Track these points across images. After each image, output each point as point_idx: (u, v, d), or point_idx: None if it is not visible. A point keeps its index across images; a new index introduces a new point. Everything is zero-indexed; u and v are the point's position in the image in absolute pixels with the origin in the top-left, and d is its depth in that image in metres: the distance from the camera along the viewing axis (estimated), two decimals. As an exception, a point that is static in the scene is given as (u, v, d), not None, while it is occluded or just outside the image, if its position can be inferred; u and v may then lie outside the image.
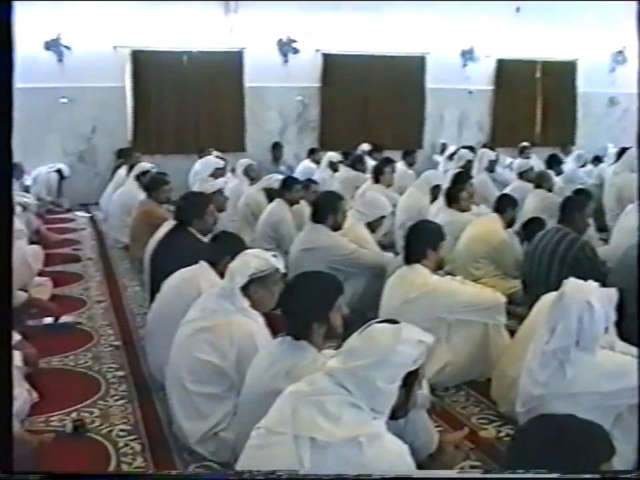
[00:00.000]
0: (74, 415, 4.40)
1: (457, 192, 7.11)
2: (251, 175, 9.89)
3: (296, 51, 13.95)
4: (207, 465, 3.82)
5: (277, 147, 13.61)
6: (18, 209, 8.21)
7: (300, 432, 2.52)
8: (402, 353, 2.56)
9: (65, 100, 12.76)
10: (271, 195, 7.88)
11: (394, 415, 2.66)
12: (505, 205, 6.60)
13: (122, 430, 4.22)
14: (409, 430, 3.07)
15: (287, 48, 13.91)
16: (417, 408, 3.02)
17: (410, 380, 2.64)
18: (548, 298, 4.01)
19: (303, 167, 12.27)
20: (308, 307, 3.20)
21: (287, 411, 2.60)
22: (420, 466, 2.77)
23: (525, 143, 13.39)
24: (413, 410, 2.87)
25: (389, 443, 2.54)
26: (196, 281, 4.39)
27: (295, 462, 2.49)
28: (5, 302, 2.11)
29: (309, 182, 8.29)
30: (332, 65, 14.16)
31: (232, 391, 3.75)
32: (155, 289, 5.06)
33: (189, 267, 4.55)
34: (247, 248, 4.21)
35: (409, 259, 4.81)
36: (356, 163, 10.44)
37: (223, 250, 4.27)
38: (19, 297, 5.65)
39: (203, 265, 4.47)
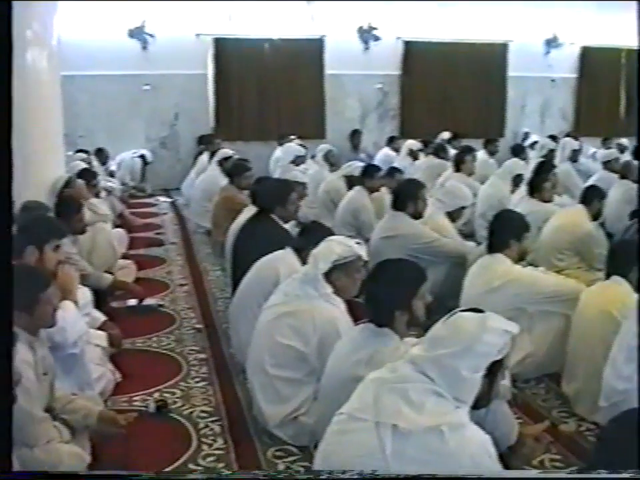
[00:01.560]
0: (156, 395, 4.50)
1: (540, 182, 6.96)
2: (331, 161, 9.91)
3: (377, 39, 13.87)
4: (285, 448, 3.85)
5: (355, 135, 13.57)
6: (103, 193, 8.40)
7: (382, 419, 2.51)
8: (487, 342, 2.54)
9: (148, 87, 12.97)
10: (351, 182, 7.86)
11: (476, 405, 2.64)
12: (591, 197, 6.43)
13: (203, 411, 4.29)
14: (489, 420, 3.02)
15: (367, 35, 13.85)
16: (498, 398, 2.99)
17: (494, 370, 2.61)
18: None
19: (383, 155, 12.21)
20: (391, 295, 3.19)
21: (369, 397, 2.60)
22: (499, 457, 2.74)
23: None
24: (494, 400, 2.84)
25: (472, 433, 2.53)
26: (275, 265, 4.44)
27: (376, 448, 2.49)
28: (6, 302, 2.09)
29: (393, 170, 8.23)
30: (413, 52, 14.04)
31: (312, 376, 3.77)
32: (236, 274, 5.12)
33: (273, 253, 4.59)
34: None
35: (492, 248, 4.75)
36: (438, 151, 10.35)
37: (312, 239, 4.27)
38: (105, 279, 5.78)
39: (287, 251, 4.49)
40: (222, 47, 13.25)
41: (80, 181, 6.96)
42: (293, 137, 12.12)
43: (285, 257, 4.46)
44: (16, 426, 3.10)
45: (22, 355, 2.98)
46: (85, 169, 7.80)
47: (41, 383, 3.35)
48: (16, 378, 2.78)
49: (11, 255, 2.05)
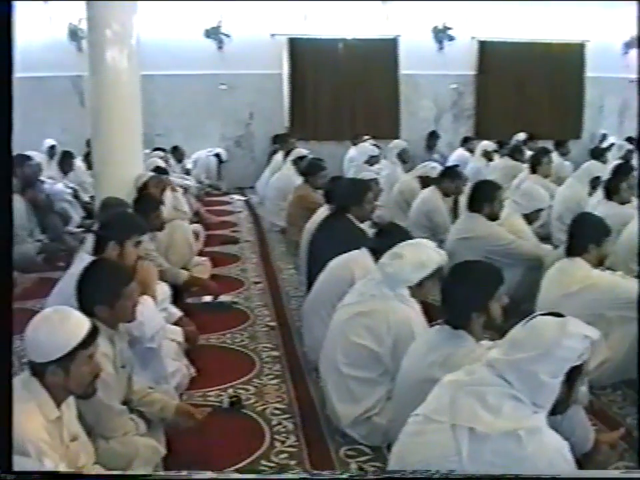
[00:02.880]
0: (230, 391, 4.54)
1: (617, 183, 6.83)
2: (404, 159, 9.86)
3: (451, 38, 13.80)
4: (357, 448, 3.84)
5: (432, 136, 13.53)
6: (179, 191, 8.53)
7: (458, 421, 2.49)
8: (567, 347, 2.50)
9: (224, 86, 13.14)
10: (426, 183, 7.81)
11: (554, 410, 2.60)
12: (675, 200, 6.28)
13: (276, 409, 4.32)
14: (565, 426, 2.98)
15: (442, 35, 13.79)
16: (576, 404, 2.94)
17: (573, 375, 2.57)
18: None
19: (457, 156, 12.11)
20: (468, 296, 3.16)
21: (445, 399, 2.58)
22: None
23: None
24: (571, 406, 2.79)
25: (549, 438, 2.49)
26: (350, 266, 4.44)
27: (452, 451, 2.47)
28: (5, 301, 2.09)
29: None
30: (488, 52, 13.93)
31: (386, 376, 3.77)
32: (311, 273, 5.14)
33: (349, 253, 4.60)
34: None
35: (570, 252, 4.67)
36: (514, 153, 10.21)
37: (389, 240, 4.25)
38: (181, 275, 5.86)
39: (363, 251, 4.49)
40: (297, 46, 13.36)
41: (163, 177, 7.10)
42: (366, 136, 12.11)
43: (361, 257, 4.45)
44: (94, 418, 3.19)
45: (102, 348, 3.04)
46: (157, 167, 7.94)
47: (119, 376, 3.41)
48: (96, 371, 2.84)
49: (11, 255, 2.07)
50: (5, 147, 2.10)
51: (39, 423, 2.63)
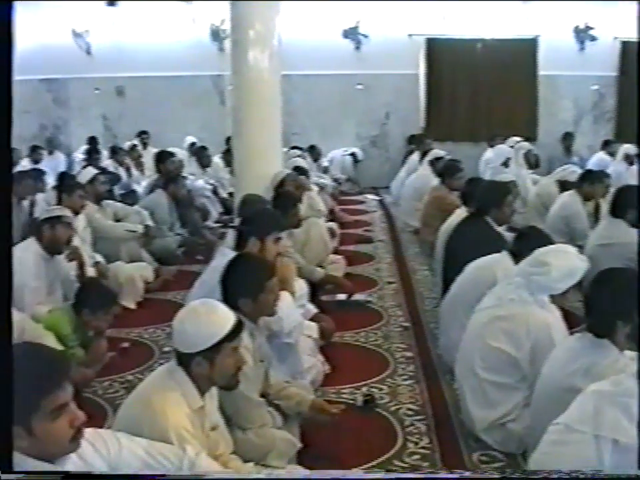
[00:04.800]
0: (364, 389, 4.56)
1: None
2: (531, 161, 9.63)
3: (593, 39, 13.41)
4: (491, 454, 3.79)
5: (567, 137, 13.17)
6: (315, 189, 8.64)
7: (602, 432, 2.43)
8: None
9: (360, 86, 13.23)
10: (564, 187, 7.62)
11: None
12: None
13: (409, 409, 4.30)
14: None
15: (583, 35, 13.43)
16: None
17: None
18: None
19: (597, 159, 11.76)
20: (614, 305, 3.06)
21: (588, 409, 2.52)
22: None
23: None
24: None
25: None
26: (492, 269, 4.37)
27: (593, 461, 2.42)
28: (5, 301, 2.11)
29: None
30: (631, 52, 13.41)
31: (524, 382, 3.70)
32: (447, 275, 5.11)
33: (489, 256, 4.54)
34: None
35: None
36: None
37: (529, 245, 4.17)
38: (317, 272, 5.96)
39: (503, 255, 4.43)
40: (434, 46, 13.31)
41: (301, 176, 7.21)
42: (503, 137, 11.86)
43: (502, 260, 4.38)
44: (232, 408, 3.28)
45: (243, 341, 3.12)
46: (297, 167, 8.06)
47: (257, 369, 3.49)
48: (240, 363, 2.91)
49: (11, 255, 2.10)
50: (5, 146, 2.14)
51: (182, 412, 2.71)
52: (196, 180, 10.04)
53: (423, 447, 3.88)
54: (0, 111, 2.20)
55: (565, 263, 3.65)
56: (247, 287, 3.44)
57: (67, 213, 5.42)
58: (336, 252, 7.43)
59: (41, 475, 2.09)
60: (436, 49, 13.31)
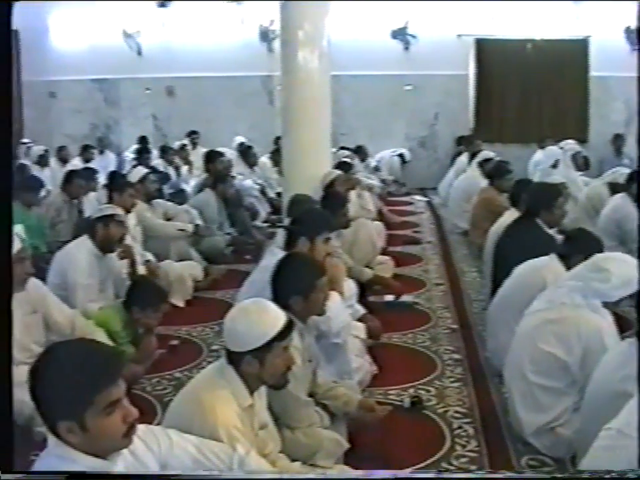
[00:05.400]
0: (411, 391, 4.55)
1: None
2: (579, 163, 9.49)
3: (645, 39, 13.20)
4: (539, 458, 3.75)
5: (618, 139, 12.98)
6: (364, 190, 8.64)
7: (654, 438, 2.40)
8: None
9: (409, 87, 13.20)
10: (615, 189, 7.51)
11: None
12: None
13: (457, 412, 4.28)
14: None
15: (634, 36, 13.19)
16: None
17: None
18: None
19: (648, 161, 11.58)
20: (666, 309, 3.03)
21: (640, 414, 2.49)
22: None
23: None
24: None
25: None
26: (542, 272, 4.33)
27: (645, 468, 2.39)
28: (5, 301, 2.10)
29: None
30: (685, 53, 13.21)
31: (574, 387, 3.66)
32: (496, 278, 5.07)
33: (538, 258, 4.50)
34: (603, 250, 4.10)
35: None
36: None
37: (578, 248, 4.14)
38: (365, 273, 5.97)
39: (552, 257, 4.39)
40: (483, 47, 13.23)
41: (351, 176, 7.21)
42: (553, 139, 11.73)
43: (551, 263, 4.34)
44: (281, 408, 3.29)
45: (293, 341, 3.13)
46: (342, 162, 8.06)
47: (305, 369, 3.50)
48: (290, 363, 2.93)
49: (10, 254, 2.09)
50: (5, 147, 2.15)
51: (232, 410, 2.73)
52: (244, 180, 10.10)
53: (471, 450, 3.85)
54: (0, 111, 2.20)
55: (625, 272, 3.60)
56: (298, 285, 3.45)
57: (119, 211, 5.50)
58: (384, 253, 7.40)
59: (42, 475, 2.10)
60: (485, 50, 13.23)
